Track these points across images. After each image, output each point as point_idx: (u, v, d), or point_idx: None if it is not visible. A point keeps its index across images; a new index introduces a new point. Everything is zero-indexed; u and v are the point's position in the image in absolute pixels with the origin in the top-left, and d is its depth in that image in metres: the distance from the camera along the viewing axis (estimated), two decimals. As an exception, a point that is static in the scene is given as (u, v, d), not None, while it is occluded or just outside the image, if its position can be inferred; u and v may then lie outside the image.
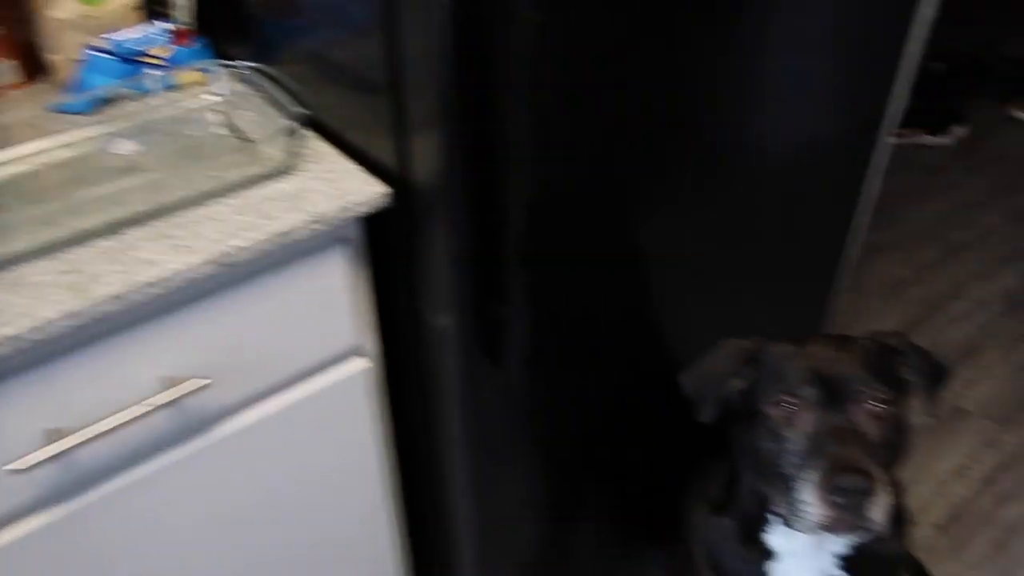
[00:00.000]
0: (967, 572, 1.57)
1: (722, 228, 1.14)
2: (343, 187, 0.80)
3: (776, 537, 0.96)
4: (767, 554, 0.98)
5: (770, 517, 0.95)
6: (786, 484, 0.83)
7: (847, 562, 0.94)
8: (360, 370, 0.91)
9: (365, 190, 0.79)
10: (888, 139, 1.68)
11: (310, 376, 0.90)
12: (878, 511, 0.77)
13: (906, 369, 0.92)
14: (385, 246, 0.89)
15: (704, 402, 0.94)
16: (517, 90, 0.68)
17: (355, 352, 0.91)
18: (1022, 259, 2.39)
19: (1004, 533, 1.65)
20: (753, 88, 1.00)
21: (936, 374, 0.91)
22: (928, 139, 2.89)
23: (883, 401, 0.83)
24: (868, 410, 0.83)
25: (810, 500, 0.79)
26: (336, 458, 0.98)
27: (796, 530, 0.81)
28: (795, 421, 0.84)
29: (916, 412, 0.90)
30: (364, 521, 1.10)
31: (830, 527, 0.78)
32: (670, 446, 1.31)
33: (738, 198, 1.13)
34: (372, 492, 1.06)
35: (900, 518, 0.96)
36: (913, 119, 2.93)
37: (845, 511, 0.77)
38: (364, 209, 0.79)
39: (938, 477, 1.77)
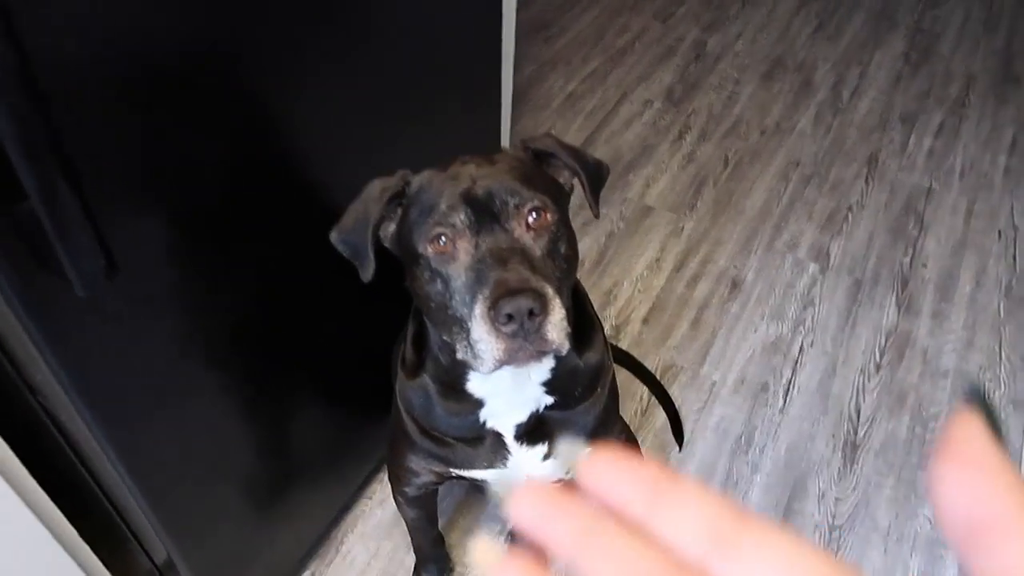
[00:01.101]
0: (674, 355, 1.68)
1: (373, 73, 0.99)
2: None
3: (476, 384, 0.87)
4: (474, 403, 0.89)
5: (463, 366, 0.86)
6: (461, 327, 0.73)
7: (551, 385, 0.89)
8: None
9: None
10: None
11: None
12: (554, 330, 0.69)
13: (562, 172, 0.84)
14: None
15: (360, 258, 0.81)
16: None
17: None
18: (674, 56, 2.52)
19: (698, 311, 1.77)
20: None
21: (593, 171, 0.85)
22: (575, -49, 2.88)
23: (541, 210, 0.74)
24: (527, 223, 0.74)
25: (481, 336, 0.69)
26: None
27: (480, 372, 0.71)
28: (453, 254, 0.74)
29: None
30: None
31: (508, 359, 0.70)
32: (364, 319, 1.19)
33: (381, 39, 0.98)
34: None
35: (588, 326, 0.91)
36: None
37: (519, 339, 0.68)
38: None
39: (638, 274, 1.85)
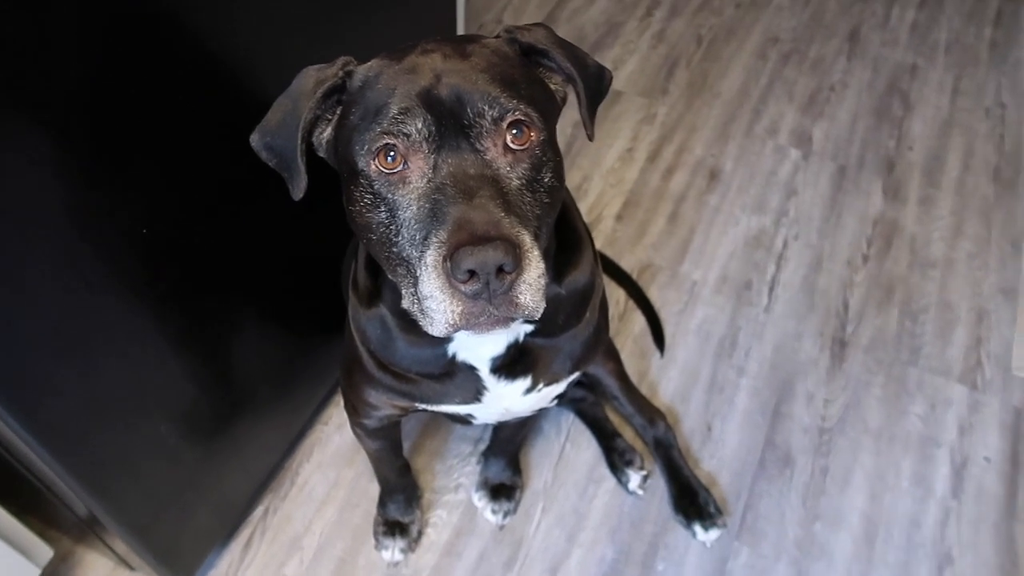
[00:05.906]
0: (651, 253, 1.55)
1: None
2: None
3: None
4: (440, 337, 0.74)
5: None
6: (408, 271, 0.58)
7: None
8: None
9: None
10: None
11: None
12: (528, 292, 0.54)
13: (553, 75, 0.66)
14: None
15: (288, 169, 0.64)
16: None
17: None
18: (639, -80, 2.27)
19: (674, 205, 1.63)
20: None
21: (593, 80, 0.67)
22: None
23: (524, 126, 0.58)
24: (506, 143, 0.58)
25: (432, 293, 0.54)
26: None
27: (432, 332, 0.57)
28: (404, 175, 0.57)
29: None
30: None
31: (465, 325, 0.55)
32: (307, 226, 1.02)
33: None
34: None
35: (574, 244, 0.75)
36: None
37: (481, 301, 0.54)
38: None
39: (609, 167, 1.69)
